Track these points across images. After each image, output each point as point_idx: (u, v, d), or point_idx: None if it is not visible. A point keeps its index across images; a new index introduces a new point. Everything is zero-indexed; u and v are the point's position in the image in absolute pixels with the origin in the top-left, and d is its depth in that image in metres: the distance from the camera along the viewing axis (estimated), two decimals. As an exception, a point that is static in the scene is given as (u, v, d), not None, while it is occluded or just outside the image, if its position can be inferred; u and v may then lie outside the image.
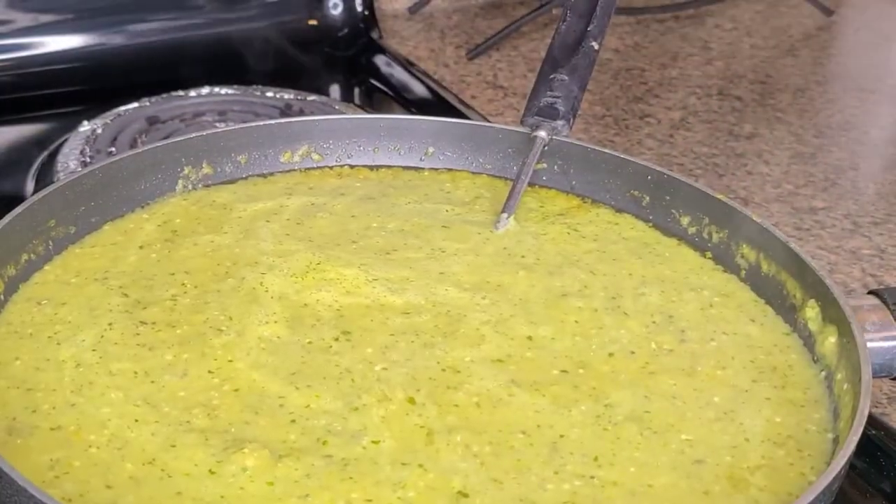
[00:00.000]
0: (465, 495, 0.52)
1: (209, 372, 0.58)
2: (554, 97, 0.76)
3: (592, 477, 0.53)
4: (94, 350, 0.59)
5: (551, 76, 0.77)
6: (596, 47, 0.78)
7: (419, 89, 1.12)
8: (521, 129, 0.78)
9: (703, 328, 0.65)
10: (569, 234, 0.73)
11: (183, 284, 0.65)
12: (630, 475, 0.53)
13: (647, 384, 0.60)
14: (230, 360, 0.59)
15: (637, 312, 0.65)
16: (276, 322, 0.62)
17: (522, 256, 0.70)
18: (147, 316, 0.62)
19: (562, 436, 0.56)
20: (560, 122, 0.75)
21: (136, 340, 0.60)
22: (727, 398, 0.59)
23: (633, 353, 0.62)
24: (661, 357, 0.62)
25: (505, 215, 0.73)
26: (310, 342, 0.61)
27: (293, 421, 0.55)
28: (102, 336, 0.60)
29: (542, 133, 0.75)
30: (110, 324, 0.61)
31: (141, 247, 0.69)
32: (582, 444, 0.55)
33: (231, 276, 0.66)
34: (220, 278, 0.66)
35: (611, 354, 0.62)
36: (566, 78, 0.76)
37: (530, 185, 0.77)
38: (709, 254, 0.72)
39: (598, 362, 0.61)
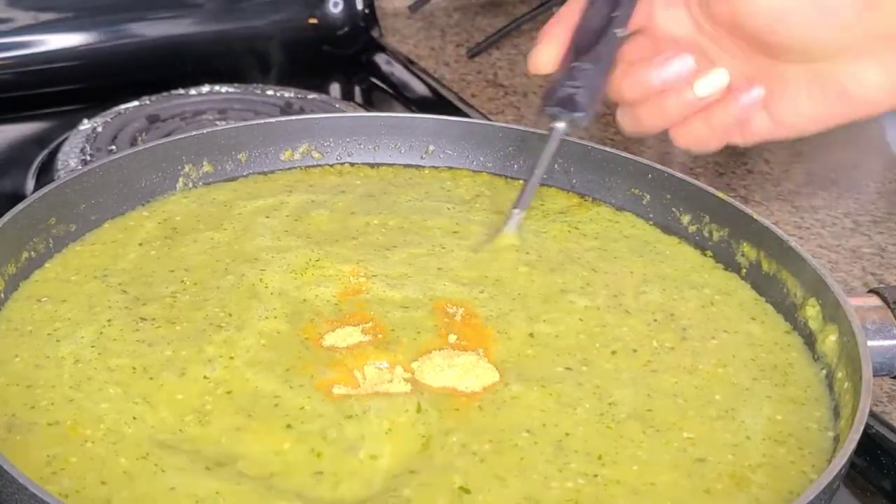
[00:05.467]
0: (468, 491, 0.52)
1: (205, 376, 0.58)
2: (575, 87, 0.70)
3: (596, 475, 0.53)
4: (93, 346, 0.59)
5: (573, 65, 0.71)
6: (620, 35, 0.72)
7: (419, 88, 1.12)
8: (520, 127, 0.78)
9: (704, 326, 0.64)
10: (570, 232, 0.73)
11: (182, 281, 0.65)
12: (633, 473, 0.53)
13: (649, 382, 0.60)
14: (231, 358, 0.59)
15: (639, 310, 0.65)
16: (275, 318, 0.62)
17: (527, 253, 0.70)
18: (147, 312, 0.62)
19: (567, 434, 0.56)
20: (580, 115, 0.70)
21: (135, 336, 0.60)
22: (728, 396, 0.59)
23: (635, 350, 0.62)
24: (663, 355, 0.62)
25: (517, 211, 0.71)
26: (307, 338, 0.61)
27: (288, 426, 0.55)
28: (101, 332, 0.60)
29: (560, 124, 0.70)
30: (109, 320, 0.61)
31: (141, 244, 0.69)
32: (586, 442, 0.55)
33: (230, 273, 0.66)
34: (219, 275, 0.66)
35: (613, 352, 0.62)
36: (589, 67, 0.71)
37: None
38: (709, 252, 0.72)
39: (602, 360, 0.61)
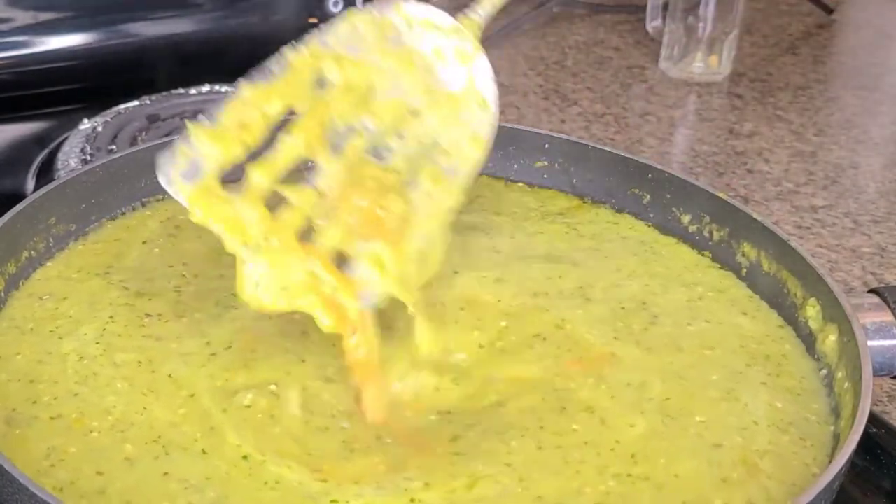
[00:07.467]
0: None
1: (212, 357, 0.58)
2: None
3: (629, 475, 0.53)
4: (97, 343, 0.59)
5: None
6: None
7: (419, 87, 1.11)
8: (520, 127, 0.78)
9: (678, 315, 0.64)
10: (566, 232, 0.73)
11: (183, 275, 0.65)
12: (660, 467, 0.53)
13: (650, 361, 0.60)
14: (234, 345, 0.59)
15: (604, 301, 0.65)
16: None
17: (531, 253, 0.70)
18: (152, 308, 0.62)
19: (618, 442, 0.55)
20: None
21: (141, 332, 0.60)
22: (724, 377, 0.59)
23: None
24: (639, 335, 0.62)
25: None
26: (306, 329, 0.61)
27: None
28: (104, 329, 0.60)
29: None
30: (111, 317, 0.61)
31: (144, 242, 0.69)
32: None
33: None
34: (221, 266, 0.65)
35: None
36: None
37: (529, 185, 0.77)
38: (707, 252, 0.71)
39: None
